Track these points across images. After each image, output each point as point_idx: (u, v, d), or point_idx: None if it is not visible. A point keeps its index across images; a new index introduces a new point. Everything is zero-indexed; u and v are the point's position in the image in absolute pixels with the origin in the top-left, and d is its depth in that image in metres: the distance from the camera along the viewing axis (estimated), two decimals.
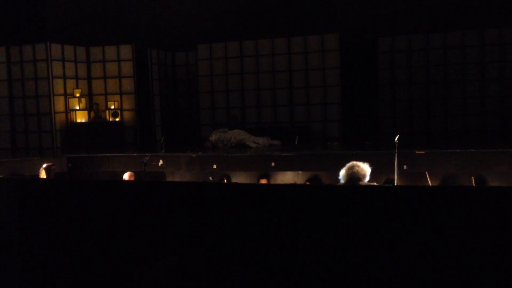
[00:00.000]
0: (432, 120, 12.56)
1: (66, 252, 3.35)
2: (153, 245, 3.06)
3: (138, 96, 13.44)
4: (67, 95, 13.00)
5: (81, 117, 13.02)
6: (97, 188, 3.49)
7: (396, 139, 6.93)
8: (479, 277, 2.45)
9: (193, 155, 9.68)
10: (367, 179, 4.05)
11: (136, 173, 8.50)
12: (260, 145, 10.92)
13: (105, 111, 13.26)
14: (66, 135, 12.91)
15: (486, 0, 12.17)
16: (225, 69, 13.50)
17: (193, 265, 2.83)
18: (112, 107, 13.25)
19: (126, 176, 8.14)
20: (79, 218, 3.34)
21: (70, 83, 13.13)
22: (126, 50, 13.38)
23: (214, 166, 9.43)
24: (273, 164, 9.18)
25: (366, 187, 3.77)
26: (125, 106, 13.45)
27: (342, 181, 4.09)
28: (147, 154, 8.95)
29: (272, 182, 9.10)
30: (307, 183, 8.70)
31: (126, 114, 13.44)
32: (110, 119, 13.17)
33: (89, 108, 13.29)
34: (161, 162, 9.69)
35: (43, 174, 7.59)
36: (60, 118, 12.82)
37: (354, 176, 4.00)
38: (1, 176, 8.13)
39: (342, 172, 4.12)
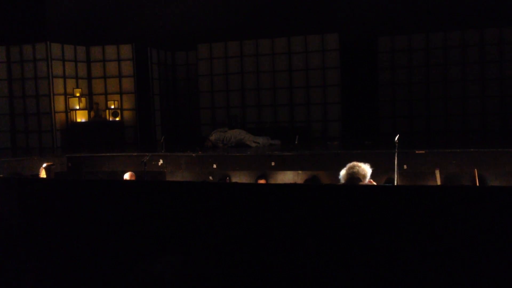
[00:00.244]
0: (432, 120, 12.56)
1: (67, 252, 3.35)
2: (153, 244, 3.06)
3: (138, 96, 13.44)
4: (67, 95, 13.00)
5: (81, 117, 13.02)
6: (97, 187, 3.49)
7: (396, 138, 6.93)
8: (479, 277, 2.45)
9: (193, 154, 9.68)
10: (367, 179, 4.05)
11: (136, 173, 8.50)
12: (260, 145, 10.92)
13: (105, 111, 13.26)
14: (66, 135, 12.91)
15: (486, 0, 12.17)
16: (225, 69, 13.50)
17: (192, 264, 2.83)
18: (112, 106, 13.25)
19: (127, 176, 8.13)
20: (79, 218, 3.34)
21: (70, 82, 13.13)
22: (126, 50, 13.38)
23: (214, 166, 9.43)
24: (273, 163, 9.18)
25: (366, 186, 3.77)
26: (125, 106, 13.45)
27: (342, 181, 4.09)
28: (147, 154, 8.95)
29: (272, 181, 9.10)
30: None
31: (126, 114, 13.44)
32: (110, 119, 13.17)
33: (89, 107, 13.29)
34: (161, 161, 9.69)
35: (43, 174, 7.59)
36: (60, 117, 12.82)
37: (354, 176, 3.99)
38: (1, 175, 8.13)
39: (342, 172, 4.11)
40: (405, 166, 8.38)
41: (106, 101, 13.42)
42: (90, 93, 13.50)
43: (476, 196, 2.56)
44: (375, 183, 4.20)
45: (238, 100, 13.43)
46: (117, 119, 13.20)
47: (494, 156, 8.34)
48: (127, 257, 3.10)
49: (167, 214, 3.07)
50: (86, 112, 13.12)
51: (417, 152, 8.56)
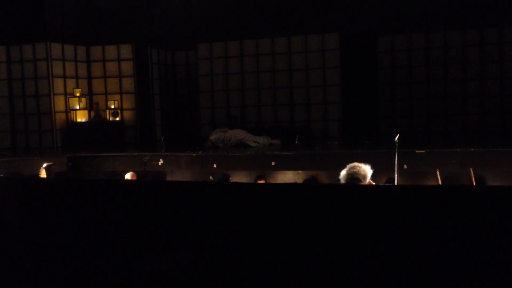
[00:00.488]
0: (432, 120, 12.56)
1: (67, 252, 3.35)
2: (153, 243, 3.06)
3: (138, 96, 13.44)
4: (67, 95, 13.01)
5: (81, 117, 13.03)
6: (98, 187, 3.49)
7: (396, 138, 6.93)
8: (480, 277, 2.45)
9: (193, 154, 9.68)
10: (367, 180, 4.05)
11: (136, 173, 8.49)
12: (260, 145, 10.92)
13: (105, 111, 13.27)
14: (66, 135, 12.92)
15: None
16: (225, 69, 13.50)
17: (196, 262, 2.83)
18: (112, 106, 13.25)
19: (128, 176, 8.13)
20: (80, 217, 3.34)
21: (70, 82, 13.13)
22: (126, 50, 13.38)
23: (214, 166, 9.43)
24: (273, 163, 9.18)
25: (366, 186, 3.78)
26: (125, 106, 13.45)
27: (342, 182, 4.09)
28: (147, 154, 8.95)
29: (272, 181, 9.10)
30: None
31: (126, 114, 13.45)
32: (110, 119, 13.17)
33: (89, 107, 13.29)
34: (161, 161, 9.69)
35: (43, 174, 7.59)
36: (60, 117, 12.83)
37: (354, 177, 4.00)
38: (1, 175, 8.13)
39: (343, 173, 4.12)
40: (405, 166, 8.38)
41: (106, 101, 13.42)
42: (90, 93, 13.51)
43: (476, 196, 2.56)
44: (374, 184, 4.20)
45: (238, 100, 13.43)
46: (117, 119, 13.20)
47: (494, 156, 8.34)
48: (127, 257, 3.10)
49: (167, 213, 3.07)
50: (86, 112, 13.12)
51: (417, 152, 8.56)
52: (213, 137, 11.05)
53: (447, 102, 12.46)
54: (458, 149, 8.49)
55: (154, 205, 3.14)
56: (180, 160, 9.71)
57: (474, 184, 7.10)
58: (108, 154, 10.35)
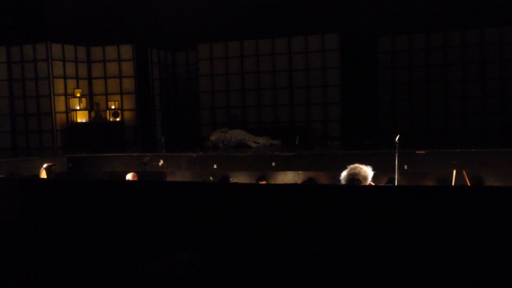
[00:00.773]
0: (432, 120, 12.56)
1: (68, 252, 3.35)
2: (153, 244, 3.06)
3: (138, 96, 13.44)
4: (68, 95, 13.01)
5: (81, 117, 13.03)
6: (98, 187, 3.50)
7: (396, 139, 6.93)
8: (480, 277, 2.46)
9: (194, 155, 9.69)
10: (368, 181, 4.06)
11: (137, 173, 8.50)
12: (261, 145, 10.92)
13: (106, 111, 13.27)
14: (67, 135, 12.92)
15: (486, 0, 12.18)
16: (225, 69, 13.50)
17: (196, 263, 2.83)
18: (113, 107, 13.26)
19: (129, 176, 8.14)
20: (80, 218, 3.34)
21: (71, 83, 13.14)
22: (126, 50, 13.39)
23: (215, 166, 9.44)
24: (273, 164, 9.19)
25: (366, 187, 3.78)
26: (125, 106, 13.46)
27: (343, 182, 4.10)
28: (147, 154, 8.96)
29: (272, 182, 9.10)
30: None
31: (127, 114, 13.45)
32: (111, 119, 13.17)
33: (90, 108, 13.29)
34: (161, 162, 9.69)
35: (43, 174, 7.59)
36: (60, 118, 12.83)
37: (355, 178, 4.01)
38: (1, 176, 8.14)
39: (344, 174, 4.13)
40: (405, 166, 8.38)
41: (107, 101, 13.42)
42: (91, 94, 13.51)
43: (477, 196, 2.57)
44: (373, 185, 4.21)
45: (239, 100, 13.44)
46: (118, 119, 13.20)
47: (495, 156, 8.34)
48: (127, 258, 3.10)
49: (167, 214, 3.08)
50: (86, 112, 13.12)
51: (417, 152, 8.56)
52: (213, 137, 11.06)
53: (447, 102, 12.46)
54: (459, 150, 8.49)
55: (154, 206, 3.14)
56: (180, 161, 9.72)
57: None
58: (109, 154, 10.36)
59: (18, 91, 12.94)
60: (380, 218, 2.61)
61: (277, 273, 2.76)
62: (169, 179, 9.62)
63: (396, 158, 6.79)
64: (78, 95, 13.08)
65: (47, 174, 7.53)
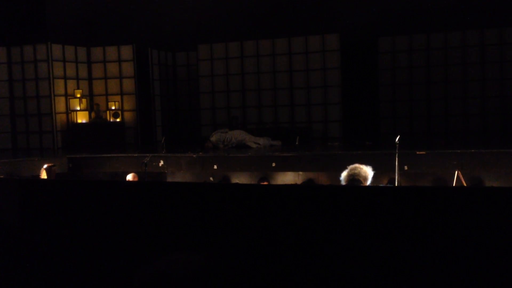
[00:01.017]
0: (432, 120, 12.56)
1: (68, 252, 3.35)
2: (153, 245, 3.06)
3: (138, 97, 13.44)
4: (68, 96, 13.01)
5: (81, 118, 13.03)
6: (98, 188, 3.50)
7: (397, 139, 6.93)
8: (480, 277, 2.45)
9: (194, 155, 9.69)
10: (368, 182, 4.05)
11: (137, 174, 8.50)
12: (261, 146, 10.92)
13: (106, 112, 13.27)
14: (67, 136, 12.92)
15: (487, 0, 12.17)
16: (225, 70, 13.50)
17: (197, 263, 2.83)
18: (113, 107, 13.26)
19: (129, 177, 8.14)
20: (80, 218, 3.34)
21: (71, 83, 13.14)
22: (126, 51, 13.39)
23: (215, 167, 9.44)
24: (273, 164, 9.18)
25: (367, 187, 3.78)
26: (125, 107, 13.46)
27: (343, 183, 4.09)
28: (147, 155, 8.95)
29: (272, 182, 9.10)
30: None
31: (127, 115, 13.45)
32: (111, 120, 13.17)
33: (90, 108, 13.30)
34: (161, 162, 9.69)
35: (44, 175, 7.59)
36: (61, 118, 12.83)
37: (355, 178, 4.00)
38: (2, 176, 8.13)
39: (344, 174, 4.12)
40: (406, 167, 8.38)
41: (107, 102, 13.43)
42: (91, 94, 13.51)
43: (477, 197, 2.56)
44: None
45: (239, 101, 13.43)
46: (118, 120, 13.20)
47: (495, 157, 8.34)
48: (127, 258, 3.10)
49: (167, 214, 3.08)
50: (86, 113, 13.13)
51: (417, 152, 8.56)
52: (213, 138, 11.05)
53: (448, 103, 12.45)
54: (459, 150, 8.49)
55: (155, 206, 3.14)
56: (180, 161, 9.72)
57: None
58: (109, 155, 10.36)
59: (19, 91, 12.94)
60: (381, 219, 2.61)
61: (278, 273, 2.76)
62: (169, 179, 9.62)
63: (397, 158, 6.79)
64: (78, 95, 13.08)
65: (48, 174, 7.52)
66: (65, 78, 12.97)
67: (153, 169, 9.52)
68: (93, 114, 13.20)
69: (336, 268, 2.66)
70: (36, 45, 12.72)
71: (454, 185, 6.92)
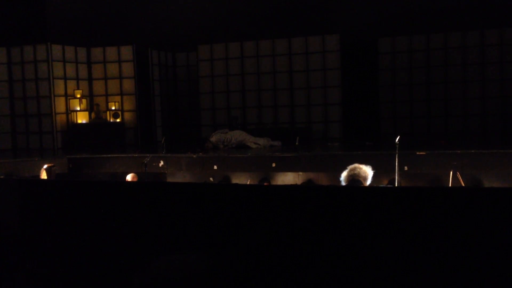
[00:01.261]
0: (432, 121, 12.56)
1: (68, 252, 3.35)
2: (153, 245, 3.06)
3: (138, 97, 13.44)
4: (68, 96, 13.01)
5: (81, 118, 13.03)
6: (98, 188, 3.49)
7: (397, 140, 6.93)
8: (480, 278, 2.45)
9: (194, 156, 9.69)
10: (368, 182, 4.05)
11: (137, 174, 8.50)
12: (261, 146, 10.92)
13: (106, 112, 13.27)
14: (67, 136, 12.92)
15: (487, 1, 12.17)
16: (225, 70, 13.50)
17: (197, 263, 2.83)
18: (113, 108, 13.26)
19: (129, 177, 8.14)
20: (80, 219, 3.34)
21: (71, 84, 13.14)
22: (126, 51, 13.39)
23: (215, 167, 9.44)
24: (273, 165, 9.18)
25: (367, 187, 3.78)
26: (125, 107, 13.46)
27: (343, 183, 4.09)
28: (147, 155, 8.95)
29: (272, 183, 9.10)
30: None
31: (127, 115, 13.45)
32: (111, 120, 13.17)
33: (90, 109, 13.29)
34: (161, 163, 9.69)
35: (44, 175, 7.60)
36: (60, 119, 12.83)
37: (355, 178, 4.00)
38: (1, 176, 8.13)
39: (344, 174, 4.12)
40: (406, 168, 8.38)
41: (107, 102, 13.43)
42: (91, 94, 13.51)
43: (477, 197, 2.56)
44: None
45: (239, 101, 13.43)
46: (118, 120, 13.20)
47: (495, 157, 8.34)
48: (128, 258, 3.10)
49: (167, 214, 3.07)
50: (86, 113, 13.12)
51: (417, 153, 8.56)
52: (213, 138, 11.05)
53: (448, 104, 12.45)
54: (459, 151, 8.49)
55: (155, 207, 3.14)
56: (180, 162, 9.72)
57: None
58: (109, 155, 10.36)
59: (19, 92, 12.94)
60: (381, 219, 2.61)
61: (278, 274, 2.76)
62: (169, 180, 9.62)
63: (397, 159, 6.79)
64: (78, 96, 13.08)
65: (48, 175, 7.53)
66: (65, 78, 12.97)
67: (153, 170, 9.52)
68: (93, 115, 13.20)
69: (336, 269, 2.66)
70: (36, 45, 12.72)
71: (450, 185, 6.94)
